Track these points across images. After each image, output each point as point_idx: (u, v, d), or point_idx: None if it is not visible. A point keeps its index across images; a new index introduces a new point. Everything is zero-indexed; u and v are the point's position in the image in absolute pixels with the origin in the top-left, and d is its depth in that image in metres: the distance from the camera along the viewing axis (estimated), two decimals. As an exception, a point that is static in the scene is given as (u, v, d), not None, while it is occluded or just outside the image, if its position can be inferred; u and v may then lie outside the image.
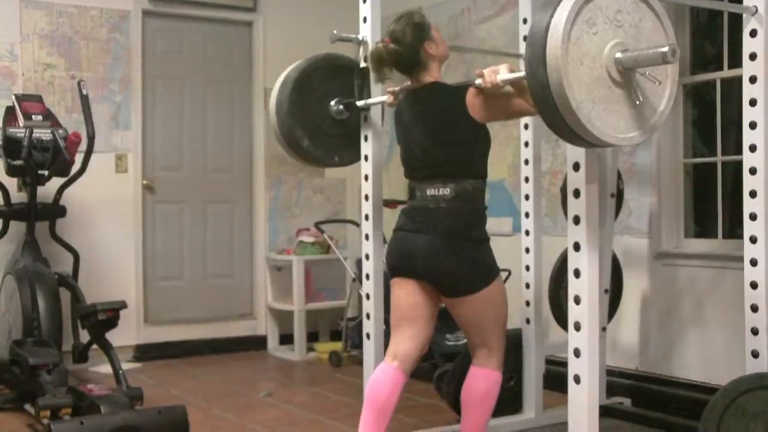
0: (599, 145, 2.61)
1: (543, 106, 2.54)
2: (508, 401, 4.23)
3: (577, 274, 2.73)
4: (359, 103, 3.62)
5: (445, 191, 3.15)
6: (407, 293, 3.25)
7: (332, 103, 3.74)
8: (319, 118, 3.74)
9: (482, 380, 3.31)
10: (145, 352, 6.25)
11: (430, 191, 3.18)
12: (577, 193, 2.73)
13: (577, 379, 2.73)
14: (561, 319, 4.25)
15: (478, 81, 3.02)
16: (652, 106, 2.64)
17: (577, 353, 2.72)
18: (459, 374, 4.24)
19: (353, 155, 3.77)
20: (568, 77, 2.44)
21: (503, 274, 5.33)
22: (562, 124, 2.52)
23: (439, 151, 3.19)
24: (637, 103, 2.59)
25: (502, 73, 2.97)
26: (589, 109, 2.48)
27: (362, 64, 3.58)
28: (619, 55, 2.55)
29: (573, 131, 2.53)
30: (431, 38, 3.23)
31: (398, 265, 3.26)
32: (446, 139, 3.18)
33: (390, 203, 4.88)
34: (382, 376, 3.22)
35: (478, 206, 3.22)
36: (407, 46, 3.19)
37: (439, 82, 3.27)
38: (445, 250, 3.13)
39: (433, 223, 3.16)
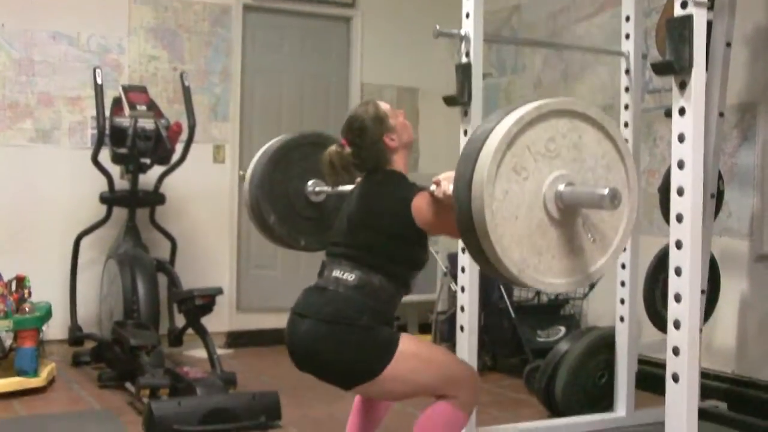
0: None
1: (486, 268, 2.34)
2: (599, 398, 4.22)
3: (678, 272, 2.69)
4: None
5: (350, 277, 2.78)
6: None
7: (309, 183, 3.56)
8: (293, 196, 3.54)
9: (429, 408, 2.86)
10: (237, 339, 6.39)
11: (336, 272, 2.82)
12: (681, 191, 2.69)
13: (675, 378, 2.70)
14: (655, 318, 4.20)
15: (432, 187, 2.69)
16: (606, 240, 2.39)
17: (676, 351, 2.69)
18: (550, 370, 4.25)
19: (322, 242, 3.39)
20: (502, 243, 2.18)
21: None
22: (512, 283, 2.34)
23: (363, 231, 2.85)
24: (592, 241, 2.33)
25: None
26: (535, 264, 2.24)
27: (464, 60, 3.57)
28: (561, 188, 2.25)
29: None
30: (390, 129, 2.90)
31: (289, 352, 2.89)
32: (376, 223, 2.84)
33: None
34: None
35: (379, 309, 2.78)
36: (366, 146, 2.89)
37: (398, 171, 2.92)
38: (325, 335, 2.73)
39: (320, 306, 2.78)
